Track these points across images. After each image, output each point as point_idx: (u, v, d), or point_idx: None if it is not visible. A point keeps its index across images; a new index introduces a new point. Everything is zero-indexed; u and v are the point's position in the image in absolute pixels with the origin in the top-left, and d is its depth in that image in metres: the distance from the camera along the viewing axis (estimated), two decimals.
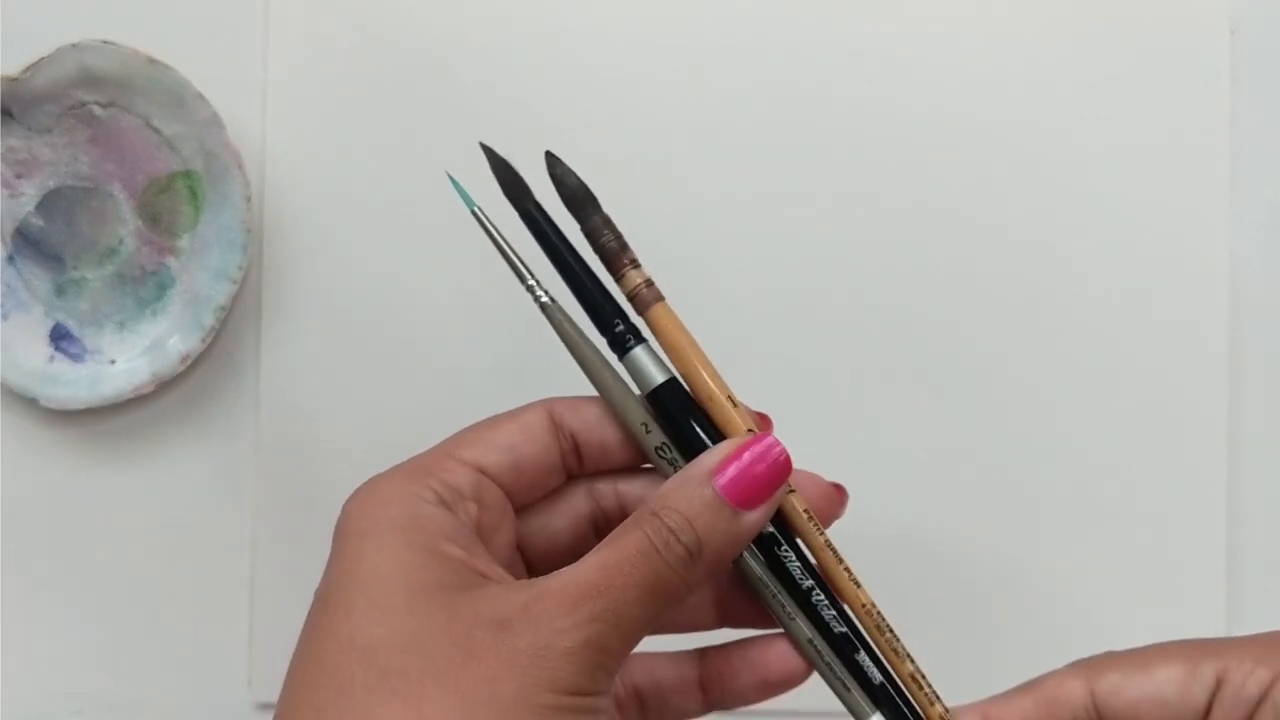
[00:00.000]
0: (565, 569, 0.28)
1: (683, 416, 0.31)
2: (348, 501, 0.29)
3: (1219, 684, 0.29)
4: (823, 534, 0.31)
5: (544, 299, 0.32)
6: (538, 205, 0.32)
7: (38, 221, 0.46)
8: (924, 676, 0.32)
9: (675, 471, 0.30)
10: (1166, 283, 0.47)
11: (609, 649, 0.27)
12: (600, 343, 0.32)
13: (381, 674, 0.26)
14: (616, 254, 0.32)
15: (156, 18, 0.46)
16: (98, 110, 0.45)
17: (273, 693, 0.46)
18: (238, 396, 0.46)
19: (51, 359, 0.45)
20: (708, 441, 0.31)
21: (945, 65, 0.47)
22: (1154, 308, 0.47)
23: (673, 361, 0.32)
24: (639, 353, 0.31)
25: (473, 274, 0.46)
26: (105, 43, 0.44)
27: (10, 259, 0.46)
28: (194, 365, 0.45)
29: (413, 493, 0.29)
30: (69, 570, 0.46)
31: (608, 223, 0.32)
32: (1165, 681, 0.30)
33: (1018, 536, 0.46)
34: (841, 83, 0.47)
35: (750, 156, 0.47)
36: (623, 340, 0.31)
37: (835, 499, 0.32)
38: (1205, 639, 0.31)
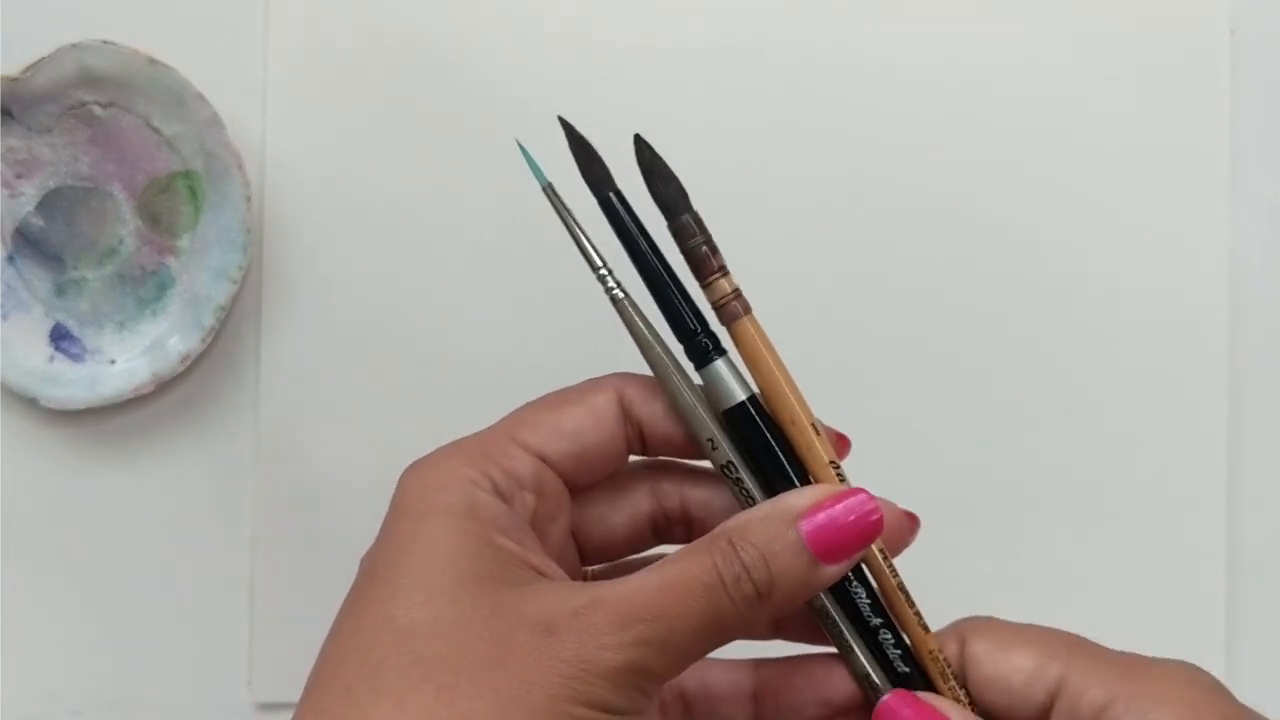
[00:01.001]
0: (623, 580, 0.26)
1: (760, 438, 0.29)
2: (404, 476, 0.29)
3: (1059, 688, 0.29)
4: (896, 576, 0.30)
5: (616, 291, 0.30)
6: (619, 193, 0.30)
7: (38, 221, 0.46)
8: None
9: (739, 492, 0.29)
10: (1166, 283, 0.47)
11: (653, 673, 0.26)
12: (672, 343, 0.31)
13: (416, 659, 0.25)
14: (707, 259, 0.30)
15: (156, 18, 0.46)
16: (98, 110, 0.45)
17: (273, 693, 0.46)
18: (238, 396, 0.46)
19: (51, 359, 0.45)
20: (786, 467, 0.29)
21: (945, 65, 0.47)
22: (1154, 308, 0.47)
23: (755, 378, 0.30)
24: (720, 365, 0.30)
25: (474, 273, 0.46)
26: (105, 43, 0.44)
27: (10, 259, 0.45)
28: (194, 365, 0.45)
29: (470, 478, 0.28)
30: (69, 570, 0.46)
31: (699, 223, 0.30)
32: (1015, 670, 0.29)
33: (1017, 536, 0.46)
34: (839, 83, 0.47)
35: (749, 157, 0.47)
36: (703, 350, 0.30)
37: (907, 527, 0.31)
38: (1083, 639, 0.30)
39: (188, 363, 0.45)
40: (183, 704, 0.46)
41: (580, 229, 0.30)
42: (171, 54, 0.44)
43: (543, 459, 0.29)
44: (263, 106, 0.46)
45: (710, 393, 0.30)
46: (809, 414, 0.30)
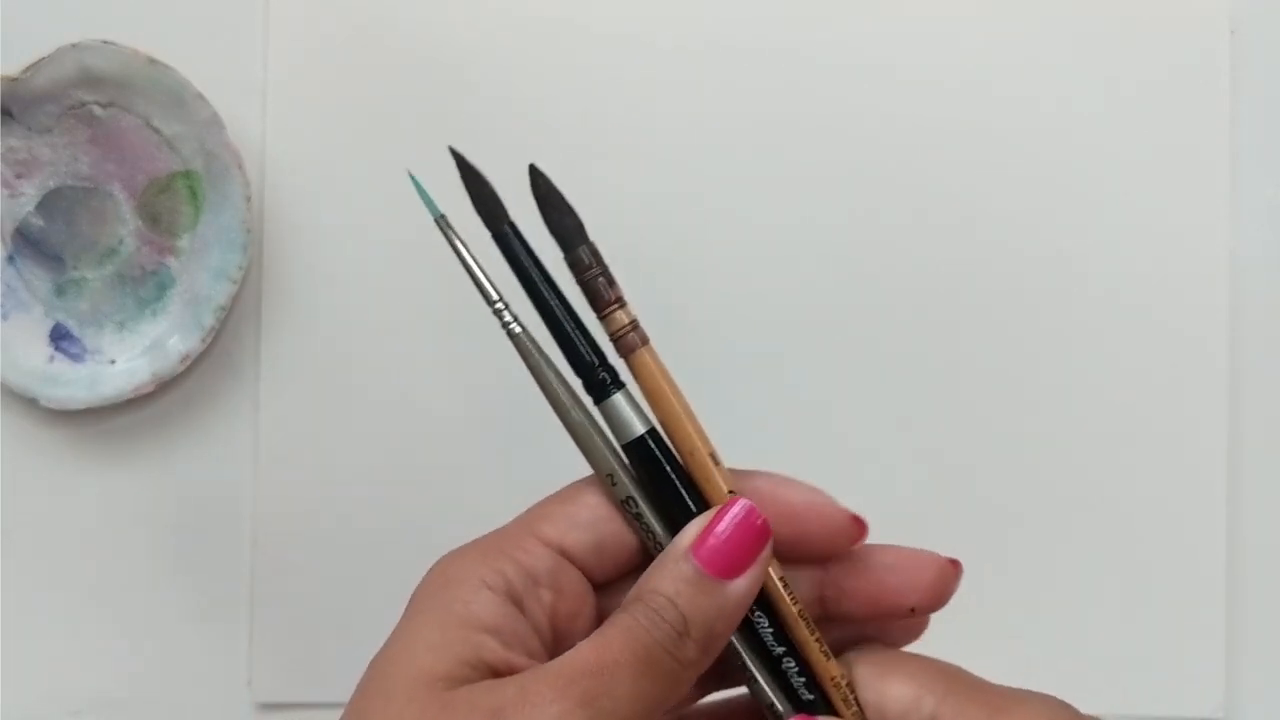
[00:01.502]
0: (560, 656, 0.27)
1: (660, 471, 0.29)
2: (429, 571, 0.29)
3: None
4: (798, 604, 0.30)
5: (513, 326, 0.30)
6: (514, 226, 0.30)
7: (38, 221, 0.46)
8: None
9: (640, 528, 0.29)
10: (1166, 283, 0.47)
11: None
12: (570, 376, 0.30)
13: None
14: (603, 291, 0.29)
15: (156, 18, 0.46)
16: (98, 110, 0.45)
17: (273, 693, 0.46)
18: (238, 396, 0.46)
19: (51, 359, 0.45)
20: (685, 499, 0.29)
21: (944, 65, 0.47)
22: (1154, 308, 0.47)
23: (655, 411, 0.30)
24: (618, 399, 0.29)
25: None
26: (105, 43, 0.44)
27: (10, 259, 0.46)
28: (194, 365, 0.45)
29: (479, 576, 0.28)
30: (69, 570, 0.46)
31: (595, 255, 0.29)
32: (894, 700, 0.29)
33: (1016, 536, 0.46)
34: (839, 83, 0.47)
35: (748, 157, 0.47)
36: (601, 383, 0.29)
37: (849, 529, 0.30)
38: (960, 671, 0.30)
39: (188, 363, 0.45)
40: (183, 704, 0.46)
41: (475, 262, 0.29)
42: (171, 54, 0.44)
43: (562, 551, 0.29)
44: (263, 106, 0.46)
45: (612, 427, 0.30)
46: (707, 444, 0.30)
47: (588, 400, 0.30)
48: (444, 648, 0.27)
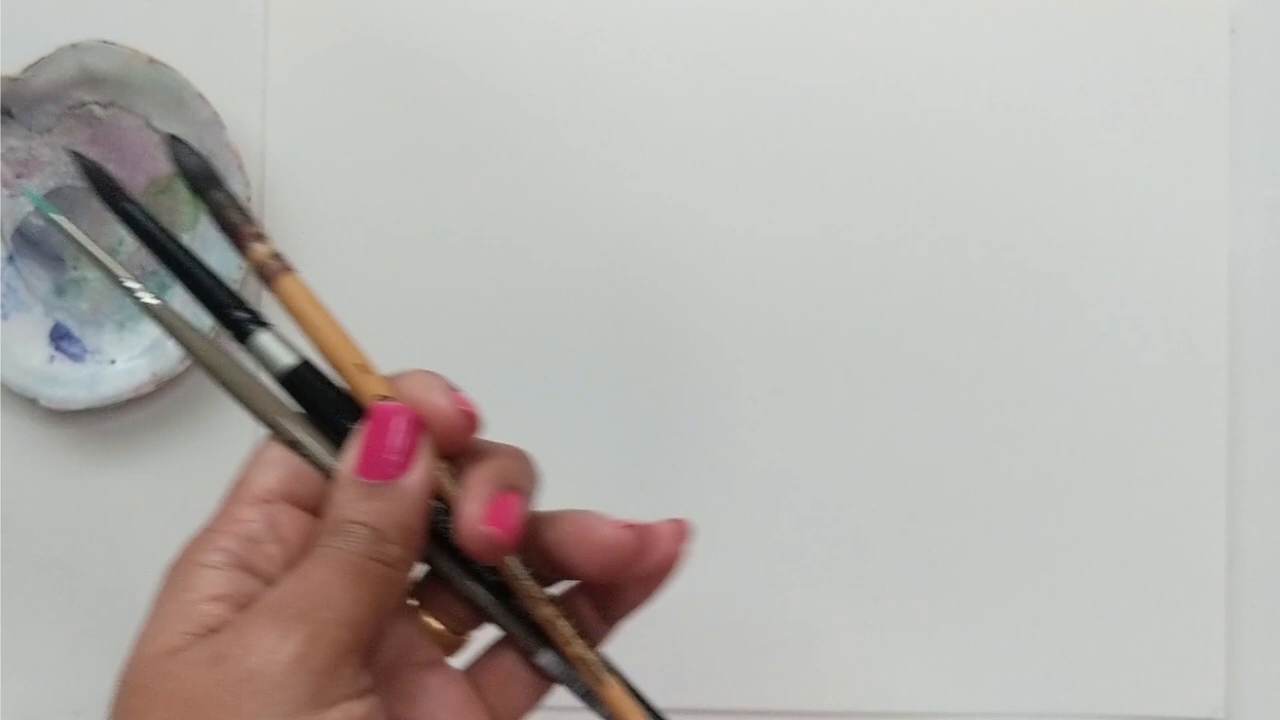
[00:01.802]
0: (270, 588, 0.28)
1: (315, 399, 0.29)
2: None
3: None
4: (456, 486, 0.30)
5: (148, 300, 0.29)
6: (133, 202, 0.29)
7: (38, 221, 0.46)
8: (563, 618, 0.31)
9: (312, 465, 0.29)
10: (1166, 283, 0.47)
11: (333, 651, 0.26)
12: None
13: None
14: (239, 227, 0.29)
15: (156, 18, 0.46)
16: (98, 110, 0.45)
17: None
18: None
19: (52, 359, 0.45)
20: (341, 420, 0.29)
21: (944, 65, 0.47)
22: (1154, 308, 0.47)
23: (308, 337, 0.29)
24: (263, 337, 0.29)
25: (473, 272, 0.46)
26: (105, 43, 0.44)
27: (10, 259, 0.46)
28: (194, 365, 0.45)
29: (195, 560, 0.29)
30: (69, 570, 0.46)
31: (231, 199, 0.29)
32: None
33: (1017, 536, 0.46)
34: (838, 78, 0.47)
35: (748, 157, 0.47)
36: (240, 324, 0.29)
37: (462, 424, 0.30)
38: None
39: (188, 363, 0.45)
40: None
41: (99, 250, 0.29)
42: (171, 54, 0.44)
43: (271, 500, 0.29)
44: (263, 107, 0.46)
45: (265, 367, 0.29)
46: (356, 355, 0.30)
47: (247, 361, 0.30)
48: (167, 626, 0.28)
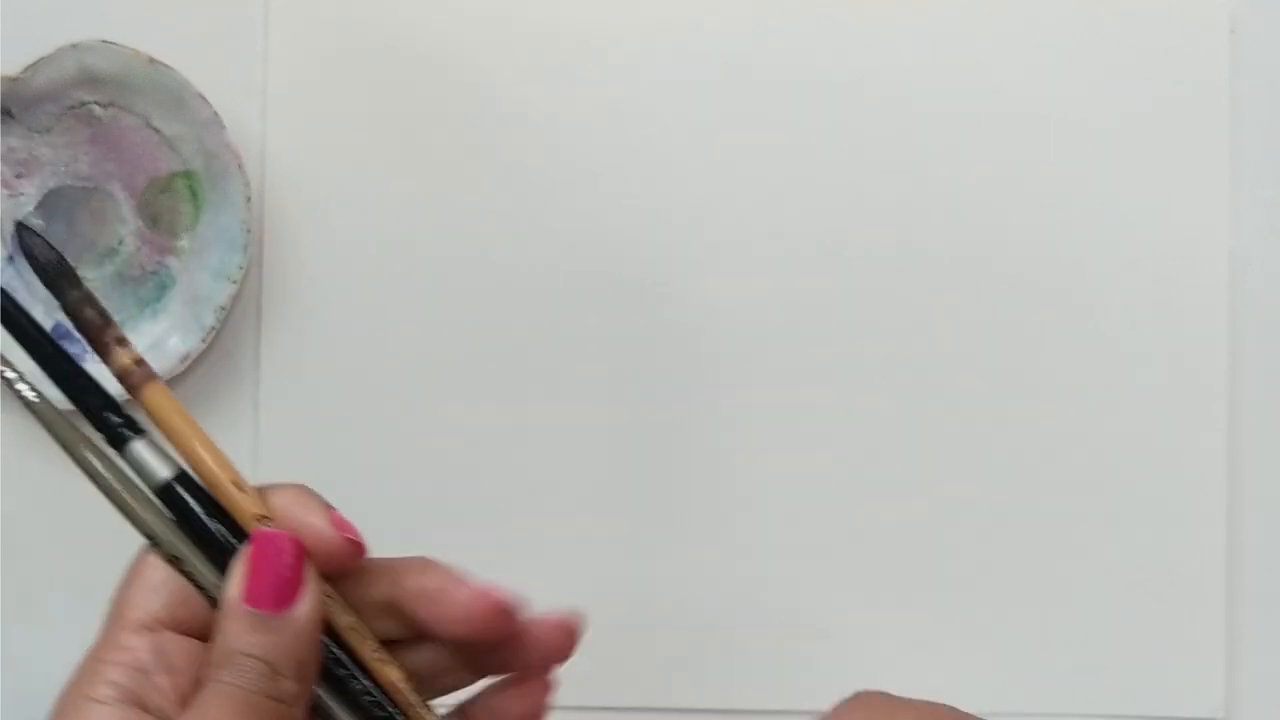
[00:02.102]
0: None
1: (193, 515, 0.28)
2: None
3: None
4: (348, 614, 0.29)
5: (29, 395, 0.28)
6: (4, 293, 0.28)
7: (38, 221, 0.46)
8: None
9: (193, 582, 0.28)
10: (1166, 283, 0.47)
11: None
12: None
13: None
14: (100, 330, 0.28)
15: (156, 18, 0.46)
16: (98, 110, 0.45)
17: None
18: (238, 396, 0.46)
19: None
20: (221, 537, 0.28)
21: (944, 65, 0.47)
22: (1154, 307, 0.47)
23: (177, 450, 0.28)
24: (139, 446, 0.28)
25: (473, 273, 0.46)
26: (105, 43, 0.44)
27: (10, 259, 0.46)
28: (194, 365, 0.45)
29: (85, 695, 0.28)
30: (69, 570, 0.46)
31: (89, 298, 0.28)
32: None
33: (1017, 536, 0.46)
34: (837, 75, 0.47)
35: (749, 157, 0.47)
36: (115, 430, 0.28)
37: (347, 551, 0.29)
38: None
39: (188, 363, 0.45)
40: None
41: None
42: (172, 54, 0.44)
43: (154, 628, 0.29)
44: (263, 107, 0.46)
45: (141, 477, 0.28)
46: (229, 471, 0.28)
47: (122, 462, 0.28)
48: None
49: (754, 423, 0.46)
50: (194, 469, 0.28)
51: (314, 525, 0.28)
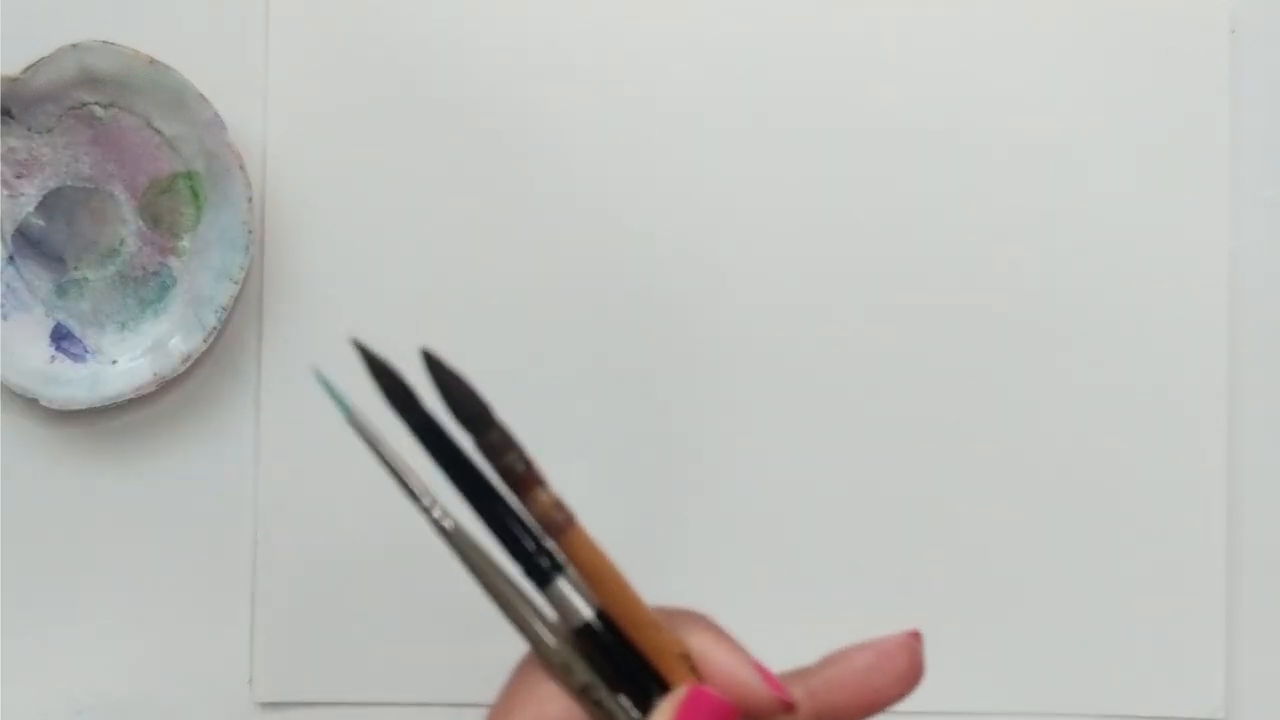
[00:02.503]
0: None
1: (614, 652, 0.28)
2: None
3: None
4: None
5: (446, 522, 0.28)
6: (429, 417, 0.28)
7: (38, 221, 0.46)
8: None
9: (599, 714, 0.28)
10: (1166, 283, 0.47)
11: None
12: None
13: None
14: (524, 474, 0.28)
15: (157, 18, 0.46)
16: (98, 110, 0.45)
17: (273, 692, 0.46)
18: (239, 397, 0.46)
19: (53, 359, 0.45)
20: (645, 676, 0.28)
21: (944, 64, 0.47)
22: (1154, 307, 0.47)
23: (596, 590, 0.28)
24: (563, 584, 0.28)
25: (474, 272, 0.46)
26: (105, 43, 0.44)
27: (11, 259, 0.46)
28: (195, 365, 0.45)
29: None
30: (69, 570, 0.46)
31: (507, 437, 0.28)
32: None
33: (1016, 537, 0.46)
34: (836, 76, 0.47)
35: (749, 156, 0.47)
36: (543, 571, 0.28)
37: (782, 711, 0.29)
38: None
39: (189, 363, 0.45)
40: (183, 704, 0.46)
41: (396, 461, 0.28)
42: (172, 54, 0.44)
43: None
44: (264, 107, 0.46)
45: (559, 612, 0.28)
46: (649, 613, 0.29)
47: (528, 587, 0.29)
48: None
49: (754, 424, 0.46)
50: (617, 611, 0.28)
51: (745, 683, 0.28)
